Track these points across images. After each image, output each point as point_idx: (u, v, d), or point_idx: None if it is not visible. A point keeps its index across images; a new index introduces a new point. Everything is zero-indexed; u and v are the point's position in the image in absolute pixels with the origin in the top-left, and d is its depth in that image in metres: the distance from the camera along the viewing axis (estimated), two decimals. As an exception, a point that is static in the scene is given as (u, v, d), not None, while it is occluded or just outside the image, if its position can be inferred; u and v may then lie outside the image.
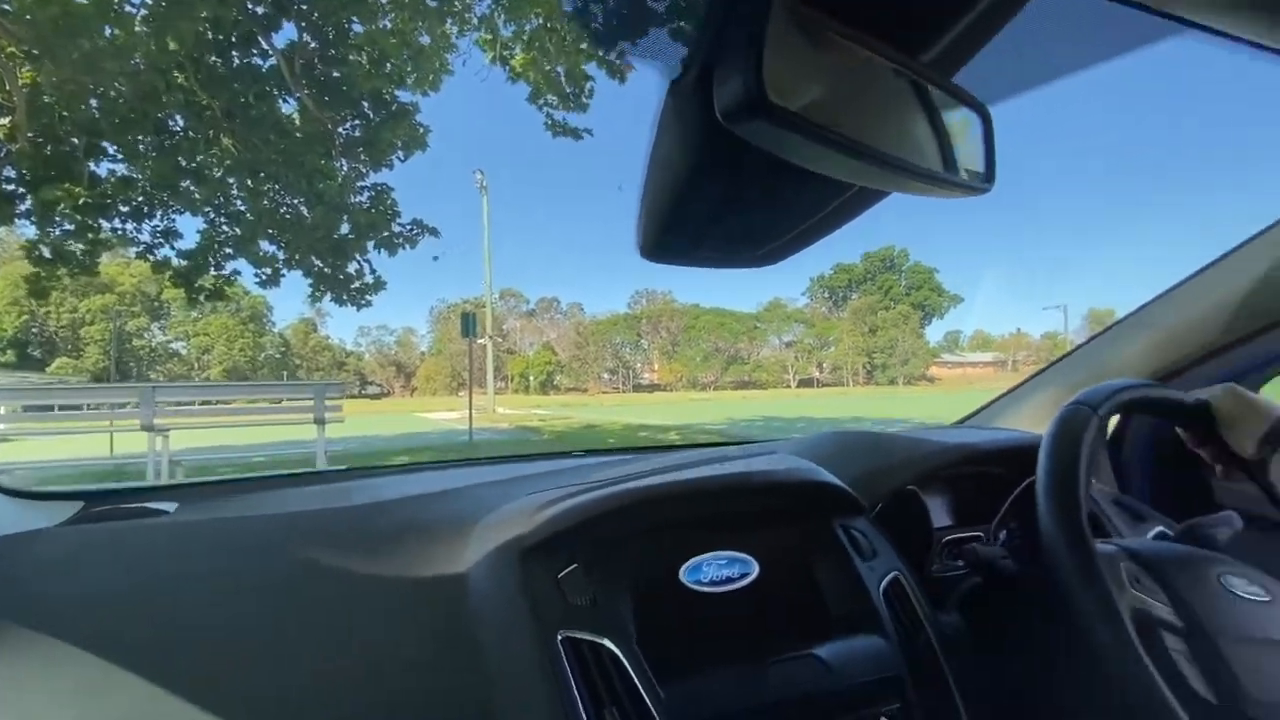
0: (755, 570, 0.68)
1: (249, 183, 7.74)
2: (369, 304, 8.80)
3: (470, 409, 13.90)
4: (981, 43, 0.51)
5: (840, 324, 51.49)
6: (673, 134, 0.45)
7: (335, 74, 7.44)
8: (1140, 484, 1.12)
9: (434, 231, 8.64)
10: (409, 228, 8.56)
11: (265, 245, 8.06)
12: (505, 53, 7.73)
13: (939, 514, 0.94)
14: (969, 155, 0.53)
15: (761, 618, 0.67)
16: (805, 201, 0.58)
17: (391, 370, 52.62)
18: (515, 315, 54.65)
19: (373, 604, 0.65)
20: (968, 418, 1.26)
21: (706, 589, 0.66)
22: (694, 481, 0.72)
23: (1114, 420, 1.11)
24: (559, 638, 0.58)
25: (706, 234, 0.58)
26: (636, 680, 0.57)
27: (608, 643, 0.59)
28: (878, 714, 0.60)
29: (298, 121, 7.69)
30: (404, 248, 8.49)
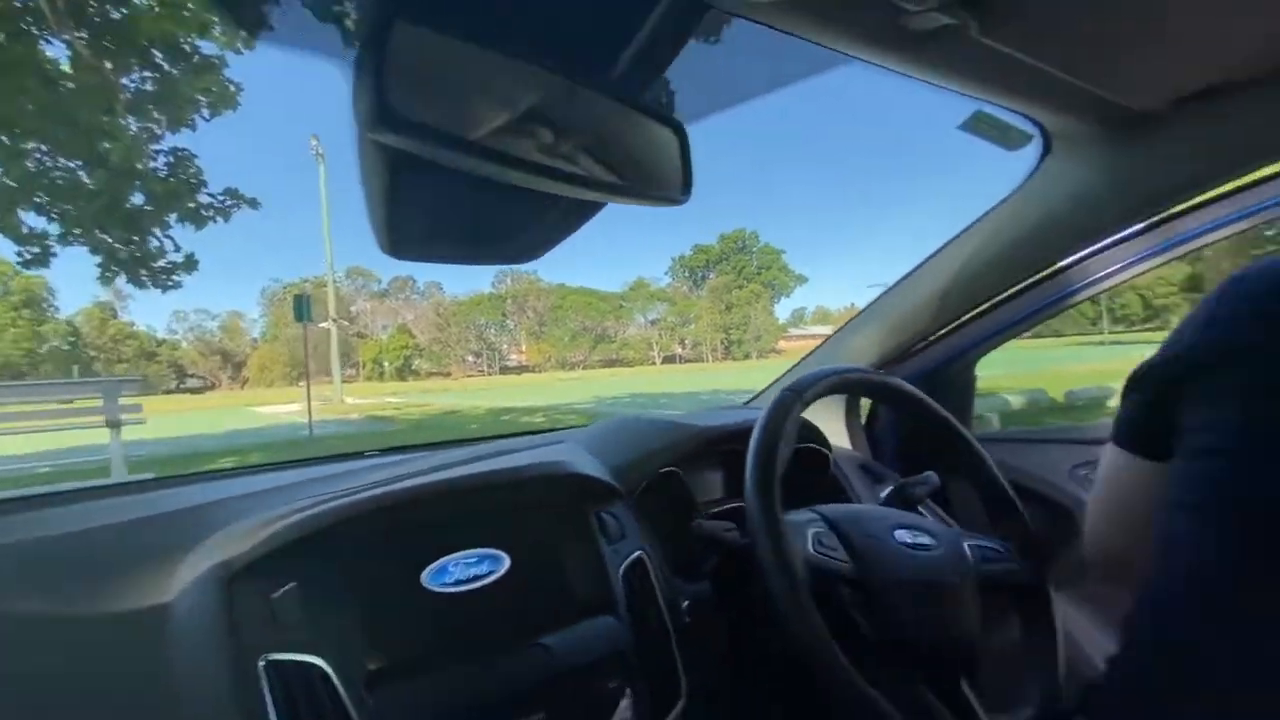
0: (505, 565, 0.69)
1: (3, 140, 6.36)
2: (177, 285, 7.68)
3: (309, 399, 12.72)
4: (661, 65, 0.54)
5: (699, 302, 53.99)
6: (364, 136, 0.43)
7: (114, 15, 6.29)
8: (890, 450, 1.30)
9: (253, 203, 7.70)
10: (221, 198, 7.54)
11: (32, 217, 6.70)
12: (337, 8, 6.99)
13: (714, 490, 1.02)
14: (663, 168, 0.57)
15: (514, 612, 0.69)
16: (531, 202, 0.59)
17: (216, 360, 46.46)
18: (365, 296, 50.65)
19: (66, 645, 0.57)
20: (757, 396, 1.39)
21: (451, 589, 0.67)
22: (438, 484, 0.72)
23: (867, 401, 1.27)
24: (261, 662, 0.56)
25: (439, 231, 0.57)
26: (345, 696, 0.57)
27: (318, 661, 0.57)
28: (606, 687, 0.65)
29: (68, 69, 6.42)
30: (215, 221, 7.46)
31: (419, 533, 0.68)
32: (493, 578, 0.68)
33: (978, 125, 0.75)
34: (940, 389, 1.21)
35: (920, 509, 1.04)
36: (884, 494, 0.92)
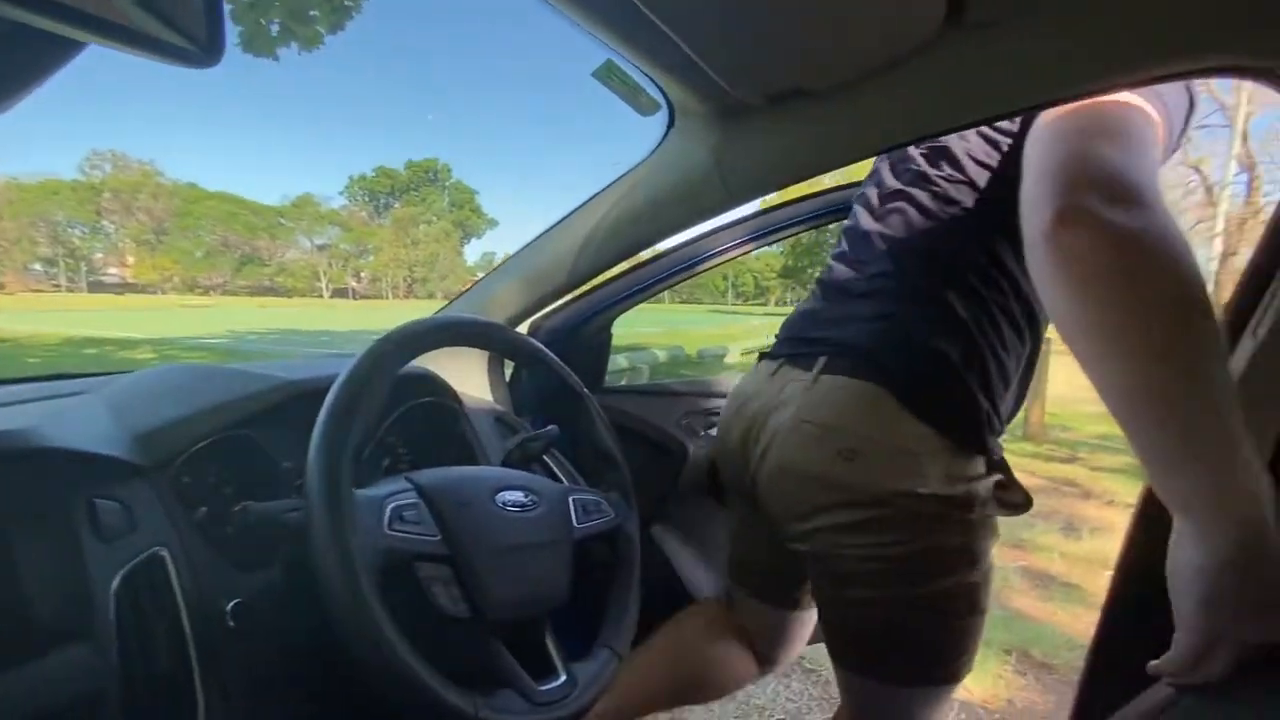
0: None
1: None
2: None
3: None
4: None
5: (381, 232, 48.90)
6: None
7: None
8: (533, 403, 1.29)
9: None
10: None
11: None
12: None
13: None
14: (180, 11, 0.39)
15: None
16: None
17: None
18: None
19: None
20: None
21: None
22: None
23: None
24: None
25: None
26: None
27: None
28: None
29: None
30: None
31: None
32: None
33: (608, 76, 0.74)
34: (579, 344, 1.24)
35: (548, 461, 1.05)
36: (513, 443, 0.89)
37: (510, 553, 0.64)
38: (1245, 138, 14.54)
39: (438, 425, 0.96)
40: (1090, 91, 0.61)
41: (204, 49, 0.42)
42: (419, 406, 0.93)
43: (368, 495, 0.58)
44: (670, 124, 0.82)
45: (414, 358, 0.64)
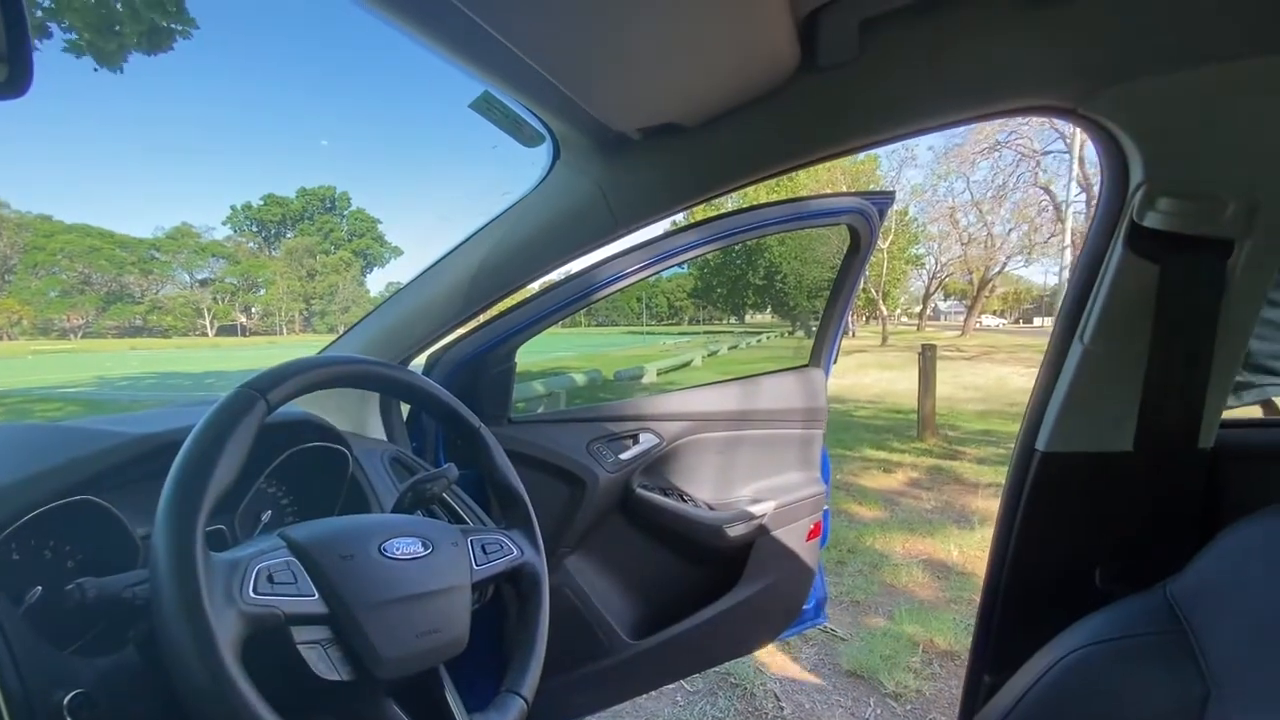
0: None
1: None
2: None
3: None
4: None
5: (273, 264, 45.80)
6: None
7: None
8: (435, 440, 1.24)
9: None
10: None
11: None
12: None
13: None
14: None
15: None
16: None
17: None
18: None
19: None
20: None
21: None
22: None
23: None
24: None
25: None
26: None
27: None
28: None
29: None
30: None
31: None
32: None
33: (487, 109, 0.74)
34: (482, 375, 1.21)
35: (450, 502, 1.01)
36: (410, 483, 0.85)
37: (400, 604, 0.60)
38: (1082, 162, 16.61)
39: (325, 472, 0.90)
40: (928, 128, 0.68)
41: (9, 80, 0.38)
42: (302, 453, 0.86)
43: (229, 559, 0.53)
44: (555, 155, 0.83)
45: (285, 402, 0.59)
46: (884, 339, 21.16)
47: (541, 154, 0.85)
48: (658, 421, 1.32)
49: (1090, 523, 0.83)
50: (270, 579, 0.53)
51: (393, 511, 0.80)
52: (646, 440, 1.30)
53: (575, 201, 0.85)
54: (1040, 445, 0.84)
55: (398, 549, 0.63)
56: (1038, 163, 18.94)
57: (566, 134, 0.78)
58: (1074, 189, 16.58)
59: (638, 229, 0.90)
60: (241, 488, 0.82)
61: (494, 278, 0.97)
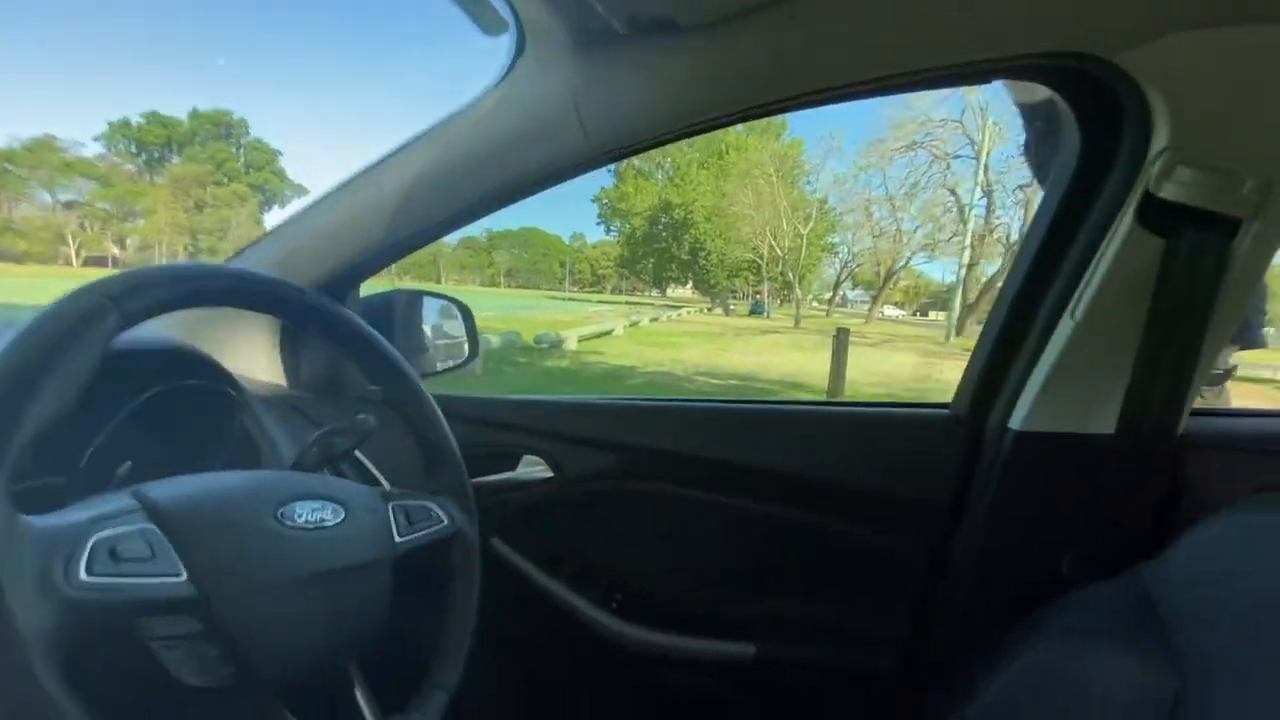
0: None
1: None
2: None
3: None
4: None
5: (155, 191, 40.91)
6: None
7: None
8: (344, 387, 1.06)
9: None
10: None
11: None
12: None
13: None
14: None
15: None
16: None
17: None
18: None
19: None
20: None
21: None
22: None
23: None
24: None
25: None
26: None
27: None
28: None
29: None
30: None
31: None
32: None
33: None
34: (392, 317, 1.04)
35: (363, 461, 0.86)
36: (313, 439, 0.70)
37: (302, 585, 0.47)
38: (986, 169, 17.80)
39: (205, 419, 0.73)
40: (956, 68, 0.60)
41: None
42: (175, 392, 0.69)
43: (54, 524, 0.37)
44: (519, 50, 0.68)
45: (146, 318, 0.44)
46: (797, 322, 22.03)
47: (501, 47, 0.70)
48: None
49: (1060, 507, 0.81)
50: (113, 554, 0.38)
51: (293, 469, 0.65)
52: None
53: (540, 109, 0.71)
54: (1015, 425, 0.81)
55: (299, 515, 0.50)
56: (948, 165, 20.15)
57: (538, 19, 0.63)
58: (978, 193, 17.78)
59: (614, 158, 0.77)
60: (85, 429, 0.64)
61: (430, 198, 0.80)
